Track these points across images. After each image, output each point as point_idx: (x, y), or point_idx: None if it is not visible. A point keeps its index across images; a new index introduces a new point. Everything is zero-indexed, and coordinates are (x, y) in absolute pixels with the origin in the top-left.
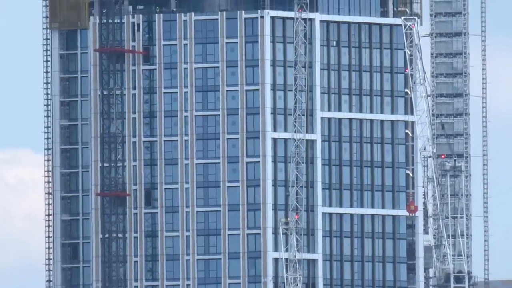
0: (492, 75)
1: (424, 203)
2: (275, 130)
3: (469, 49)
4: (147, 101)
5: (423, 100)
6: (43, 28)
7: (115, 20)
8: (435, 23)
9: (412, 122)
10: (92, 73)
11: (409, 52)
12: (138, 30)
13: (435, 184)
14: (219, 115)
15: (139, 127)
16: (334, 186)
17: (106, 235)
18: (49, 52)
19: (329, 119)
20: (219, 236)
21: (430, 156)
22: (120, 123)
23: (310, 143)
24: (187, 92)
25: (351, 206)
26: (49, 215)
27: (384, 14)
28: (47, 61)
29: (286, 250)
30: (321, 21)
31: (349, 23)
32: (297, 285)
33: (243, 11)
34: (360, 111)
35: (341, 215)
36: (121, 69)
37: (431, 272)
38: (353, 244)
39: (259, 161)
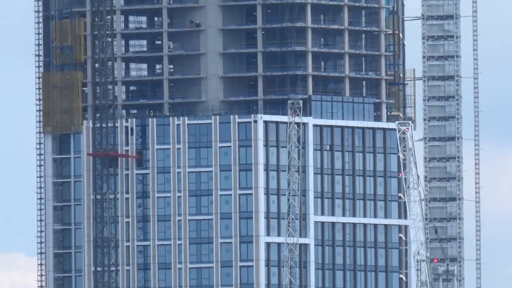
0: (485, 179)
1: None
2: (268, 234)
3: (462, 153)
4: (140, 205)
5: (416, 204)
6: (37, 133)
7: (109, 124)
8: (429, 127)
9: (406, 226)
10: (85, 178)
11: (402, 157)
12: (132, 134)
13: None
14: (212, 219)
15: (132, 231)
16: None
17: None
18: (42, 157)
19: (322, 223)
20: None
21: (423, 260)
22: (113, 227)
23: (304, 247)
24: (180, 196)
25: None
26: None
27: (378, 118)
28: (40, 165)
29: None
30: (314, 125)
31: (342, 127)
32: None
33: (237, 115)
34: (354, 215)
35: None
36: (114, 173)
37: None
38: None
39: (252, 265)
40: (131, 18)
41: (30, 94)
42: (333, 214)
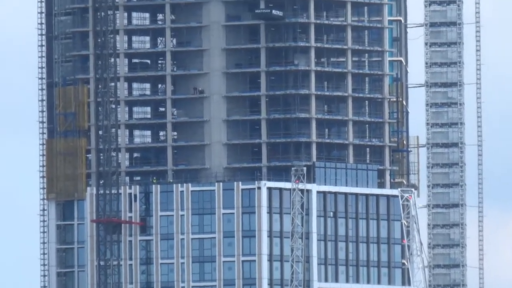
0: (489, 246)
1: None
2: None
3: (466, 220)
4: (144, 272)
5: (420, 271)
6: (40, 199)
7: (112, 191)
8: (432, 194)
9: None
10: (89, 244)
11: (406, 223)
12: (135, 200)
13: None
14: (215, 285)
15: None
16: None
17: None
18: (46, 223)
19: None
20: None
21: None
22: None
23: None
24: (183, 263)
25: None
26: None
27: (381, 185)
28: (44, 231)
29: None
30: (318, 192)
31: (346, 194)
32: None
33: (240, 182)
34: (357, 282)
35: None
36: (118, 240)
37: None
38: None
39: None
40: (135, 85)
41: (33, 161)
42: (336, 280)
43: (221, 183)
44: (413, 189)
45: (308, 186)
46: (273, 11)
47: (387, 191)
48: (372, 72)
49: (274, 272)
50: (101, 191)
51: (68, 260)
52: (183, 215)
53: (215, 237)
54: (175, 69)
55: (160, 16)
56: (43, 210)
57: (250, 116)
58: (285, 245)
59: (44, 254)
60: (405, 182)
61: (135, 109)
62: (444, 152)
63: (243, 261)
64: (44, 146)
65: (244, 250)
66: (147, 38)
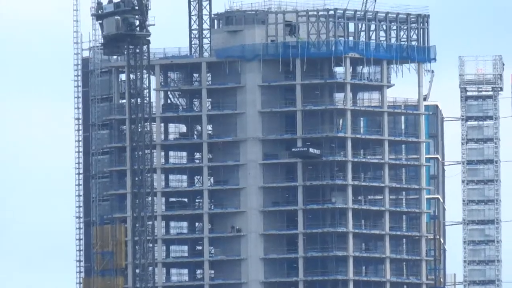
0: None
1: None
2: None
3: None
4: None
5: None
6: None
7: None
8: None
9: None
10: None
11: None
12: None
13: None
14: None
15: None
16: None
17: None
18: None
19: None
20: None
21: None
22: None
23: None
24: None
25: None
26: None
27: None
28: None
29: None
30: None
31: None
32: None
33: None
34: None
35: None
36: None
37: None
38: None
39: None
40: (172, 223)
41: None
42: None
43: None
44: None
45: None
46: (310, 150)
47: None
48: (410, 210)
49: None
50: None
51: None
52: None
53: None
54: (212, 208)
55: (197, 155)
56: None
57: (287, 254)
58: None
59: None
60: None
61: (172, 247)
62: None
63: None
64: (81, 285)
65: None
66: (184, 177)
